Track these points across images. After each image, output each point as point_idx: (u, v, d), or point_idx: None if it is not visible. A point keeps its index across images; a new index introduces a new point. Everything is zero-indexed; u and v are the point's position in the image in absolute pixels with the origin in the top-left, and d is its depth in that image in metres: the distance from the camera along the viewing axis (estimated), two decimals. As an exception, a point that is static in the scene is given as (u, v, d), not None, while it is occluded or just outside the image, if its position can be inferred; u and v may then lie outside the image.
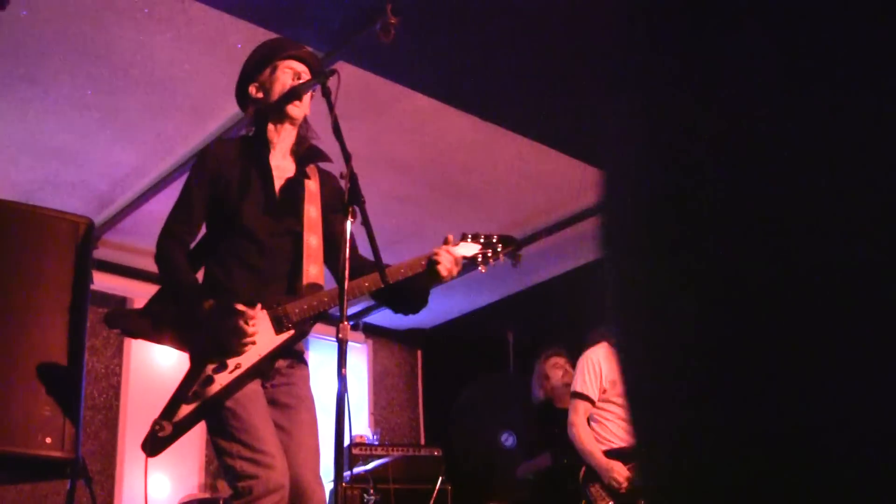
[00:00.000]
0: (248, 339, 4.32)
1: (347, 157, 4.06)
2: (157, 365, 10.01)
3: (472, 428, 10.90)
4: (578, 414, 7.01)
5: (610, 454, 6.79)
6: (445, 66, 6.87)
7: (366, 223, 3.99)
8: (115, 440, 9.68)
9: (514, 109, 7.49)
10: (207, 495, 8.61)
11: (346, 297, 3.94)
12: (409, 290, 4.70)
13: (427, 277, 4.62)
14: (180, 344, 4.49)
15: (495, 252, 4.90)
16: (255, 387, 4.40)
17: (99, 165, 8.00)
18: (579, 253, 10.19)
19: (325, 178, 4.88)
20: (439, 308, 11.67)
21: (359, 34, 6.11)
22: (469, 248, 4.84)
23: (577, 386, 7.11)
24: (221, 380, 4.29)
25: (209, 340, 4.35)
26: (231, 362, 4.32)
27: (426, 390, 13.06)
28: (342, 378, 3.78)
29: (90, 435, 9.41)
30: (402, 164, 8.27)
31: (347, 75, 5.76)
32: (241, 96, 4.93)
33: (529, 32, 6.46)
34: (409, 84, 7.06)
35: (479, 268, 4.88)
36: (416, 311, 4.91)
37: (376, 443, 10.69)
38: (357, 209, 4.00)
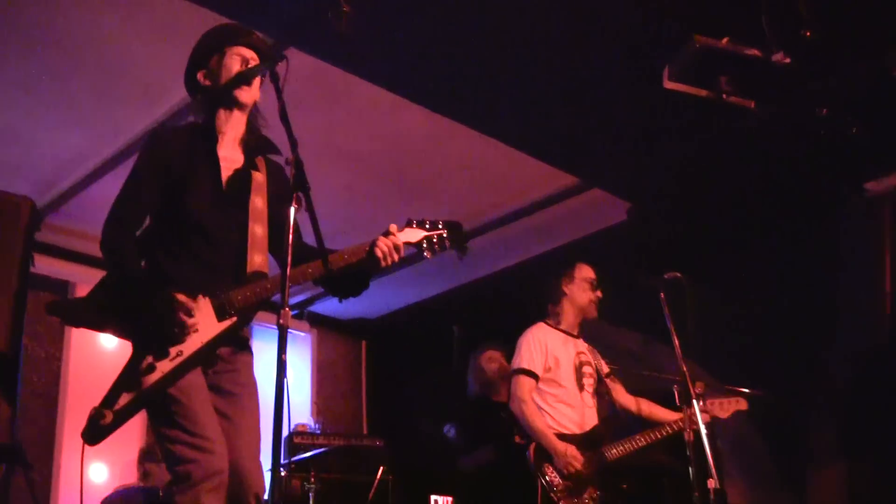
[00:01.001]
0: (189, 328, 4.33)
1: (294, 143, 4.05)
2: (100, 352, 9.94)
3: (415, 420, 10.90)
4: (524, 389, 6.95)
5: (561, 438, 6.77)
6: (399, 58, 6.86)
7: (310, 210, 3.98)
8: (54, 427, 9.58)
9: (466, 103, 7.49)
10: (143, 483, 8.55)
11: (288, 284, 3.93)
12: (351, 276, 4.74)
13: (368, 264, 4.65)
14: (123, 332, 4.45)
15: (440, 238, 4.88)
16: (196, 376, 4.40)
17: (45, 147, 7.92)
18: (528, 247, 10.23)
19: (274, 169, 4.86)
20: (385, 299, 11.66)
21: (312, 22, 6.09)
22: (413, 234, 4.83)
23: (523, 362, 7.06)
24: (163, 367, 4.28)
25: (150, 329, 4.32)
26: (173, 350, 4.32)
27: (370, 381, 13.02)
28: (282, 364, 3.76)
29: (29, 421, 9.30)
30: (352, 154, 8.25)
31: (300, 64, 5.76)
32: (190, 83, 4.90)
33: (484, 26, 6.47)
34: (362, 74, 7.05)
35: (425, 253, 4.86)
36: (356, 294, 4.92)
37: (318, 432, 10.67)
38: (302, 196, 3.98)
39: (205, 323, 4.38)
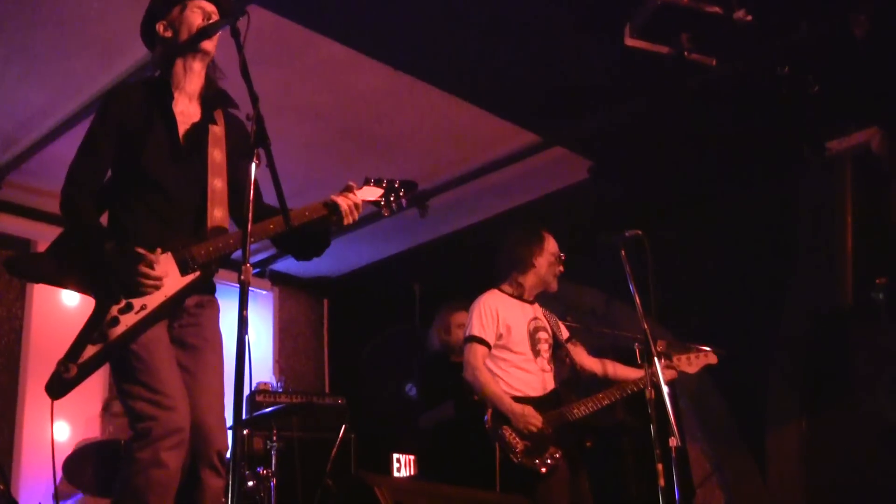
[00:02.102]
0: (153, 282, 4.36)
1: (255, 98, 4.05)
2: (62, 310, 9.90)
3: (377, 378, 10.95)
4: (477, 357, 6.93)
5: (518, 401, 6.78)
6: (358, 14, 6.84)
7: (271, 166, 3.99)
8: (16, 384, 9.55)
9: (426, 60, 7.48)
10: (104, 437, 8.56)
11: (250, 240, 3.96)
12: (311, 234, 4.81)
13: (329, 221, 4.74)
14: (84, 287, 4.45)
15: (397, 197, 5.05)
16: (160, 330, 4.44)
17: (3, 104, 7.83)
18: (488, 205, 10.23)
19: (232, 122, 4.88)
20: (346, 257, 11.66)
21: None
22: (371, 192, 4.99)
23: (475, 330, 7.03)
24: (127, 321, 4.31)
25: (114, 282, 4.34)
26: (137, 303, 4.36)
27: (332, 339, 13.02)
28: (243, 320, 3.77)
29: (-10, 380, 9.31)
30: (312, 111, 8.21)
31: (260, 20, 5.72)
32: (148, 34, 4.90)
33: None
34: (322, 31, 7.02)
35: (383, 211, 5.03)
36: (318, 253, 5.00)
37: (280, 390, 10.68)
38: (262, 152, 3.99)
39: (169, 277, 4.41)
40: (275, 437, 7.96)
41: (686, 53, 5.74)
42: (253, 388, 10.13)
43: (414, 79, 7.68)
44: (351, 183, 4.88)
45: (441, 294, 9.33)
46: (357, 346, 11.89)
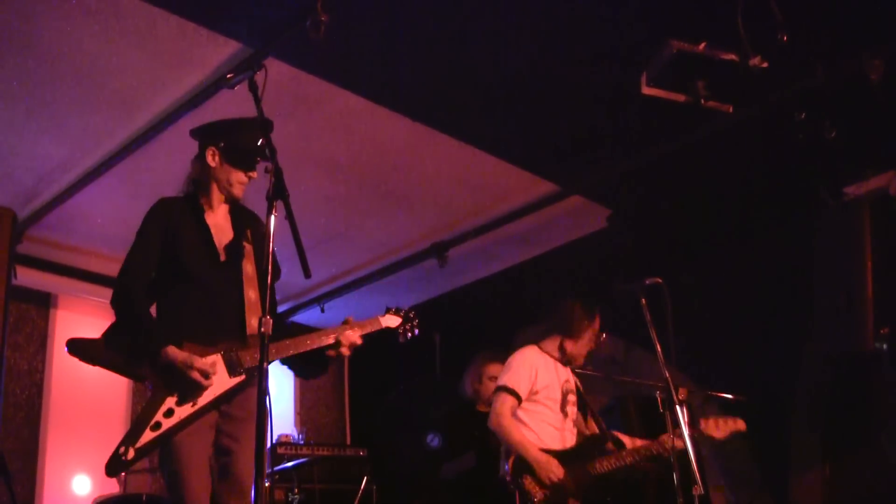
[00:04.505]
0: (207, 383, 4.82)
1: (273, 151, 4.12)
2: (81, 364, 9.89)
3: (398, 429, 10.91)
4: (505, 406, 6.91)
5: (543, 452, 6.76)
6: (376, 66, 6.87)
7: (289, 217, 4.07)
8: (36, 438, 9.56)
9: (444, 111, 7.50)
10: (124, 492, 8.55)
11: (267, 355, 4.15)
12: (316, 358, 5.27)
13: (330, 350, 5.24)
14: (136, 376, 5.07)
15: (412, 325, 5.87)
16: (203, 425, 4.91)
17: (24, 158, 7.87)
18: (507, 255, 10.24)
19: (256, 229, 5.34)
20: (366, 309, 11.62)
21: (289, 31, 6.10)
22: (392, 320, 5.79)
23: (509, 381, 7.02)
24: (181, 413, 4.78)
25: (172, 381, 4.79)
26: (189, 399, 4.82)
27: (353, 390, 13.03)
28: (264, 372, 3.85)
29: (11, 433, 9.29)
30: (331, 163, 8.23)
31: (278, 72, 5.77)
32: (200, 144, 5.31)
33: (462, 34, 6.49)
34: (340, 83, 7.05)
35: (399, 338, 5.83)
36: (317, 376, 5.74)
37: (302, 442, 10.67)
38: (281, 203, 4.08)
39: (218, 377, 4.87)
40: (296, 490, 7.96)
41: (702, 101, 5.74)
42: (275, 441, 10.13)
43: (432, 129, 7.70)
44: (349, 318, 5.41)
45: (461, 344, 9.32)
46: (378, 397, 11.86)
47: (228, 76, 4.78)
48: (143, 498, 7.55)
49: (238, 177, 5.21)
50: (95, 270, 9.99)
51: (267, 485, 8.51)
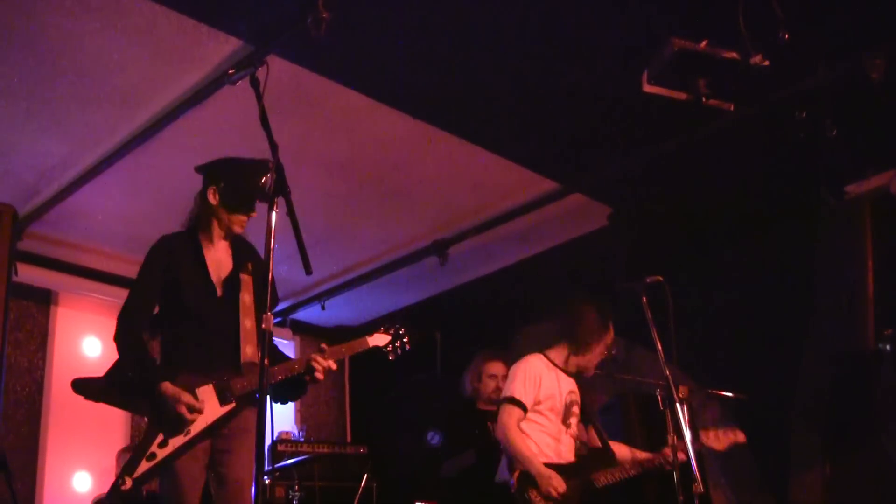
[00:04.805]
0: (195, 415, 5.10)
1: (274, 147, 4.12)
2: (82, 359, 9.93)
3: (399, 426, 10.91)
4: (512, 418, 6.89)
5: (546, 466, 6.76)
6: (377, 63, 6.86)
7: (290, 214, 4.10)
8: (37, 435, 9.55)
9: (445, 108, 7.50)
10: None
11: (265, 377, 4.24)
12: (293, 384, 5.51)
13: (305, 376, 5.45)
14: (138, 412, 5.61)
15: (402, 343, 6.15)
16: (198, 451, 5.20)
17: (25, 155, 7.86)
18: (508, 253, 10.23)
19: (258, 267, 5.60)
20: (367, 306, 11.65)
21: (290, 29, 6.10)
22: (382, 339, 6.05)
23: (515, 392, 6.99)
24: (174, 443, 5.08)
25: (163, 414, 5.08)
26: (182, 430, 5.11)
27: (353, 388, 13.02)
28: (265, 369, 3.86)
29: (11, 430, 9.29)
30: (332, 161, 8.23)
31: (279, 70, 5.77)
32: (203, 181, 5.55)
33: (462, 32, 6.48)
34: (341, 80, 7.05)
35: (389, 356, 6.09)
36: (294, 399, 6.18)
37: (302, 440, 10.67)
38: (282, 200, 4.11)
39: (209, 406, 5.16)
40: (297, 487, 7.96)
41: (704, 99, 5.73)
42: (275, 438, 10.13)
43: (433, 127, 7.70)
44: (323, 345, 5.52)
45: (462, 341, 9.33)
46: (378, 395, 11.86)
47: (230, 72, 4.78)
48: (144, 495, 7.53)
49: (237, 218, 5.49)
50: (96, 267, 10.01)
51: (267, 482, 8.55)
